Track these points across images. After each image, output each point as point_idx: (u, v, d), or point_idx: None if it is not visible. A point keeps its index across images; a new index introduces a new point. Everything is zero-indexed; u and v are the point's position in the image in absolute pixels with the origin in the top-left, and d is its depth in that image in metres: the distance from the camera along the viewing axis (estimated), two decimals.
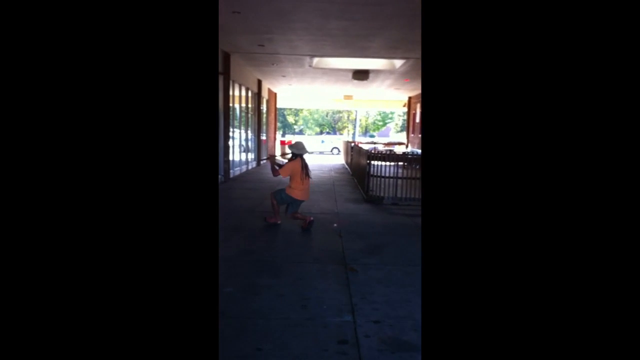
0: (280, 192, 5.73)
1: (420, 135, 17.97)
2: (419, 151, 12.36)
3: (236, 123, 11.70)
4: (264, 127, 16.26)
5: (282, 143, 22.37)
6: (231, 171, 10.68)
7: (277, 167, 5.70)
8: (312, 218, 5.65)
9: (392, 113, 38.42)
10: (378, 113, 40.24)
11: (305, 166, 5.67)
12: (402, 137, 26.24)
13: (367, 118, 41.94)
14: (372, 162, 8.15)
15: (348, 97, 20.22)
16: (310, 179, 5.76)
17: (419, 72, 11.94)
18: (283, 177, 5.78)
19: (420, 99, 17.76)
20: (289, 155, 5.85)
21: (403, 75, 12.91)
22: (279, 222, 5.78)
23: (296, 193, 5.61)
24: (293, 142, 6.18)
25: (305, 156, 5.90)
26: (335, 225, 5.81)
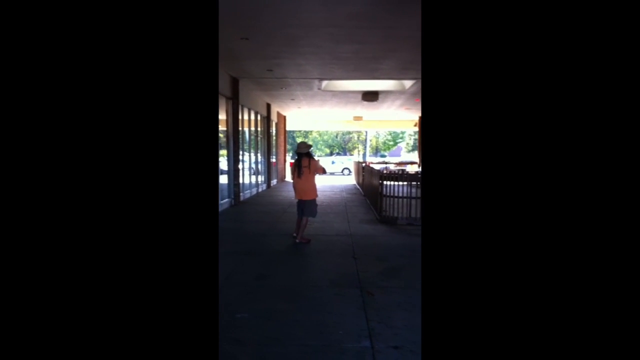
0: (311, 205, 5.99)
1: None
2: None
3: (245, 146, 11.80)
4: (274, 150, 16.36)
5: (292, 165, 22.52)
6: (241, 194, 10.70)
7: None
8: (308, 240, 5.96)
9: (402, 133, 38.47)
10: (388, 133, 40.33)
11: (298, 165, 5.92)
12: (414, 156, 26.16)
13: (378, 138, 42.03)
14: (385, 182, 8.10)
15: (358, 119, 20.32)
16: (306, 178, 5.90)
17: None
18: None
19: None
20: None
21: (413, 96, 12.95)
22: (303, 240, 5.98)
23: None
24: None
25: (316, 177, 6.04)
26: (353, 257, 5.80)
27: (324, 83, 11.27)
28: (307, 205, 5.93)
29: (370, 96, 12.37)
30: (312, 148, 6.33)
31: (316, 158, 6.28)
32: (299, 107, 16.30)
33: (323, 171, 6.17)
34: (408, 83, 11.11)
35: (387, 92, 12.42)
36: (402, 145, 41.70)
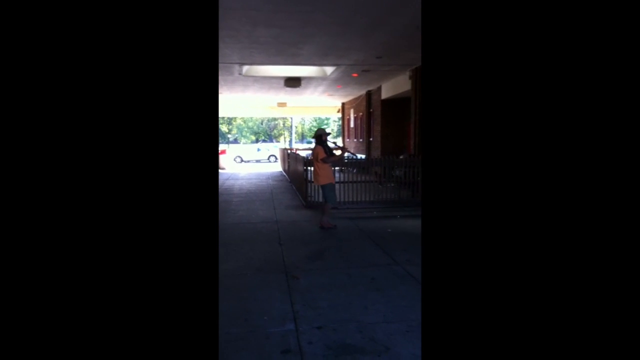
0: (324, 190, 6.06)
1: (355, 140, 18.39)
2: (356, 155, 12.62)
3: None
4: None
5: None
6: None
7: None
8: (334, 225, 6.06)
9: (327, 119, 38.99)
10: (314, 119, 40.66)
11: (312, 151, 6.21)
12: (339, 142, 26.68)
13: (303, 124, 42.22)
14: (310, 168, 8.18)
15: (282, 105, 20.21)
16: (315, 164, 6.09)
17: (351, 78, 12.22)
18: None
19: (353, 105, 18.19)
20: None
21: (335, 82, 13.15)
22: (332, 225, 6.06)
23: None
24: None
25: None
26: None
27: (245, 68, 11.03)
28: (322, 190, 6.14)
29: (293, 82, 12.34)
30: (326, 133, 6.27)
31: (330, 144, 6.29)
32: (220, 93, 15.82)
33: (328, 156, 6.02)
34: (329, 69, 11.24)
35: (309, 78, 12.47)
36: (328, 131, 42.28)
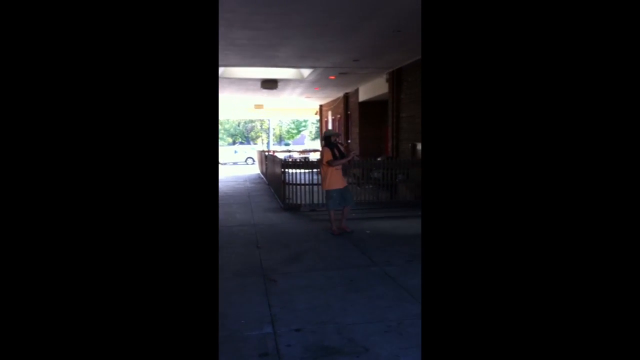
0: (326, 196, 5.79)
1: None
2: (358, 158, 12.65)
3: None
4: None
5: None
6: None
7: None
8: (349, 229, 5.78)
9: (305, 121, 38.99)
10: (292, 121, 40.57)
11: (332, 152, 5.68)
12: (317, 144, 26.75)
13: (281, 126, 42.08)
14: (288, 170, 8.16)
15: (259, 107, 20.10)
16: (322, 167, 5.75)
17: (329, 81, 12.26)
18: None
19: (330, 107, 18.25)
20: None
21: (313, 84, 13.16)
22: (339, 232, 5.75)
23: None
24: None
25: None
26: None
27: (221, 70, 10.92)
28: (325, 195, 5.88)
29: (270, 84, 12.29)
30: (336, 135, 5.93)
31: (341, 145, 5.89)
32: None
33: (334, 159, 5.59)
34: (306, 72, 11.25)
35: (286, 80, 12.44)
36: (306, 133, 42.30)
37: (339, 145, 5.80)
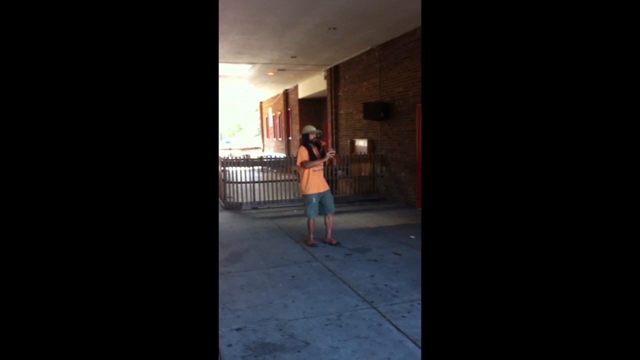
0: (304, 202, 5.04)
1: (274, 139, 18.36)
2: (275, 154, 12.60)
3: None
4: None
5: None
6: None
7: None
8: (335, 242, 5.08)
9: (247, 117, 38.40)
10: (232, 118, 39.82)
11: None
12: (258, 141, 26.47)
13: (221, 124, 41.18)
14: (228, 168, 8.03)
15: None
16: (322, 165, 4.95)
17: (267, 77, 12.18)
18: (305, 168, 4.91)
19: (271, 104, 18.14)
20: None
21: (252, 81, 13.01)
22: (314, 243, 5.06)
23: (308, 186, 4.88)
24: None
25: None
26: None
27: None
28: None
29: None
30: (315, 133, 4.97)
31: (322, 142, 5.00)
32: None
33: (310, 160, 4.86)
34: (245, 67, 11.10)
35: (225, 77, 12.21)
36: (248, 130, 41.71)
37: (320, 144, 4.96)
